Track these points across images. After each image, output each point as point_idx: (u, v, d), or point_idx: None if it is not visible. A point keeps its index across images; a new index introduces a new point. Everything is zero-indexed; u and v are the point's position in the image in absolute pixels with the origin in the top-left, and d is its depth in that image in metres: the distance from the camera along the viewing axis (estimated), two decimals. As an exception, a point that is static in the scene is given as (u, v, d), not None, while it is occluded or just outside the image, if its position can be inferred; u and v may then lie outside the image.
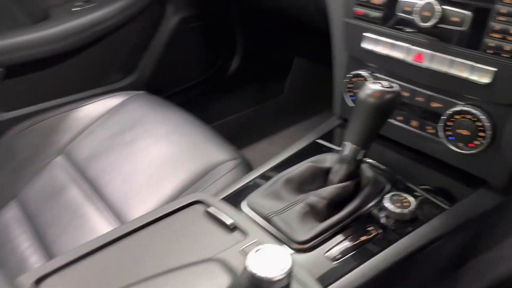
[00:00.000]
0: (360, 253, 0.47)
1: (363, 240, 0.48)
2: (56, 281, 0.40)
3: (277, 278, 0.40)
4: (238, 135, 0.85)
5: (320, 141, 0.65)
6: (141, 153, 0.80)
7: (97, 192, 0.76)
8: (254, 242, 0.46)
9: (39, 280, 0.39)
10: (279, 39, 1.32)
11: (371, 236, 0.49)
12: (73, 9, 0.97)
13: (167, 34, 1.10)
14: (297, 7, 0.85)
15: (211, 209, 0.50)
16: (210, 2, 1.15)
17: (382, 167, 0.58)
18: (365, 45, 0.60)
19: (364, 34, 0.60)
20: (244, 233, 0.48)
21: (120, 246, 0.47)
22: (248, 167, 0.73)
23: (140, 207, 0.69)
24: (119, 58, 1.06)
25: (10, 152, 0.87)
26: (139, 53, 1.08)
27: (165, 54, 1.10)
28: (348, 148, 0.52)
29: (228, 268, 0.37)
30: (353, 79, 0.62)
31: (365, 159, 0.55)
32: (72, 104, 0.92)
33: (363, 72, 0.61)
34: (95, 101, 0.92)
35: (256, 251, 0.42)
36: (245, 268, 0.40)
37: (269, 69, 1.34)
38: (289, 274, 0.41)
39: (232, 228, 0.48)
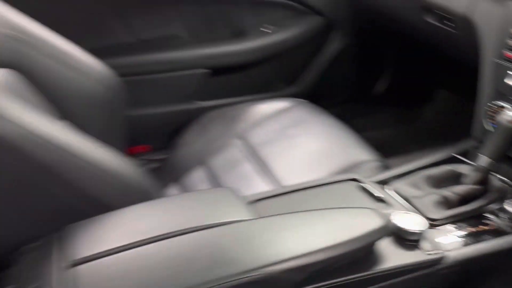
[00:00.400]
0: (478, 237, 0.60)
1: (483, 229, 0.62)
2: (264, 204, 0.63)
3: (411, 231, 0.56)
4: (374, 150, 1.02)
5: (456, 155, 0.79)
6: (301, 145, 1.02)
7: (265, 169, 1.00)
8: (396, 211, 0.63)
9: (258, 200, 0.62)
10: (424, 69, 1.45)
11: (490, 228, 0.62)
12: (261, 29, 1.26)
13: (328, 55, 1.33)
14: (451, 45, 0.99)
15: (363, 185, 0.69)
16: (370, 35, 1.35)
17: (510, 182, 0.70)
18: (509, 81, 0.73)
19: (509, 72, 0.73)
20: (388, 204, 0.65)
21: (290, 196, 0.68)
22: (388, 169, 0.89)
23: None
24: (288, 71, 1.32)
25: (204, 130, 1.16)
26: (303, 69, 1.32)
27: (324, 72, 1.32)
28: (483, 159, 0.66)
29: (381, 214, 0.55)
30: (495, 108, 0.75)
31: (495, 173, 0.68)
32: (249, 102, 1.19)
33: (504, 104, 0.74)
34: (267, 102, 1.18)
35: (399, 212, 0.59)
36: (389, 220, 0.58)
37: (410, 95, 1.48)
38: (421, 232, 0.57)
39: (379, 200, 0.66)
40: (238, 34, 1.25)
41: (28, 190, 0.55)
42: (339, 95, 1.39)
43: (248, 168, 1.04)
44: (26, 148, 0.53)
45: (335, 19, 1.28)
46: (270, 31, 1.24)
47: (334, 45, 1.32)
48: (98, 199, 0.59)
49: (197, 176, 1.13)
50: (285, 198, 0.66)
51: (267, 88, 1.30)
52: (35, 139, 0.55)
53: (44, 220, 0.56)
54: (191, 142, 1.16)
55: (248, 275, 0.45)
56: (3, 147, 0.52)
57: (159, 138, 1.22)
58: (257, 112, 1.17)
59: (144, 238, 0.50)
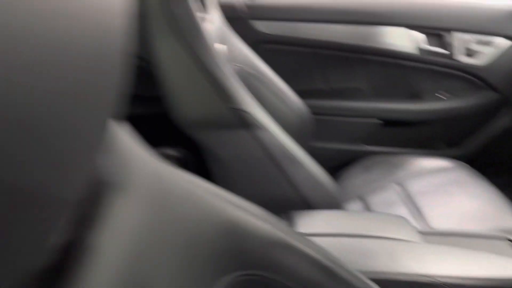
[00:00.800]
0: None
1: None
2: (426, 237, 0.80)
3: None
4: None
5: None
6: (457, 202, 1.14)
7: (419, 215, 1.15)
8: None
9: (422, 233, 0.79)
10: None
11: None
12: (436, 94, 1.42)
13: (496, 128, 1.41)
14: None
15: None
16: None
17: None
18: None
19: None
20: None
21: (446, 237, 0.83)
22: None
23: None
24: (453, 134, 1.45)
25: (366, 170, 1.36)
26: (468, 135, 1.44)
27: (489, 142, 1.41)
28: None
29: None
30: None
31: None
32: (411, 154, 1.36)
33: None
34: (428, 158, 1.32)
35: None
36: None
37: None
38: None
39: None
40: (414, 96, 1.44)
41: (264, 178, 0.82)
42: (501, 166, 1.45)
43: (403, 210, 1.19)
44: (271, 148, 0.80)
45: (509, 97, 1.38)
46: (444, 98, 1.39)
47: (504, 120, 1.41)
48: (306, 197, 0.83)
49: (355, 207, 1.32)
50: (442, 237, 0.82)
51: (430, 146, 1.44)
52: (276, 142, 0.81)
53: (270, 204, 0.83)
54: (354, 178, 1.37)
55: (419, 277, 0.63)
56: (258, 145, 0.80)
57: (326, 169, 1.46)
58: (418, 165, 1.33)
59: (341, 232, 0.72)
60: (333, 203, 0.86)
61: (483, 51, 1.34)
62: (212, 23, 0.89)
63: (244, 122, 0.76)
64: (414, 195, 1.22)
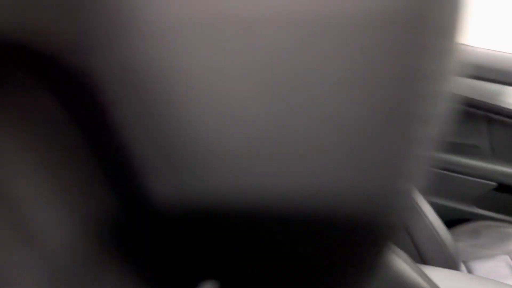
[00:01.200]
0: None
1: None
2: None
3: None
4: None
5: None
6: None
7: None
8: None
9: None
10: None
11: None
12: None
13: None
14: None
15: None
16: None
17: None
18: None
19: None
20: None
21: None
22: None
23: None
24: None
25: (474, 234, 1.28)
26: None
27: None
28: None
29: None
30: None
31: None
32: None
33: None
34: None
35: None
36: None
37: None
38: None
39: None
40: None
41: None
42: None
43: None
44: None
45: None
46: None
47: None
48: (421, 250, 0.80)
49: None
50: None
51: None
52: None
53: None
54: (460, 240, 1.29)
55: None
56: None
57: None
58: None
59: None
60: (449, 262, 0.82)
61: None
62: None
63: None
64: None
